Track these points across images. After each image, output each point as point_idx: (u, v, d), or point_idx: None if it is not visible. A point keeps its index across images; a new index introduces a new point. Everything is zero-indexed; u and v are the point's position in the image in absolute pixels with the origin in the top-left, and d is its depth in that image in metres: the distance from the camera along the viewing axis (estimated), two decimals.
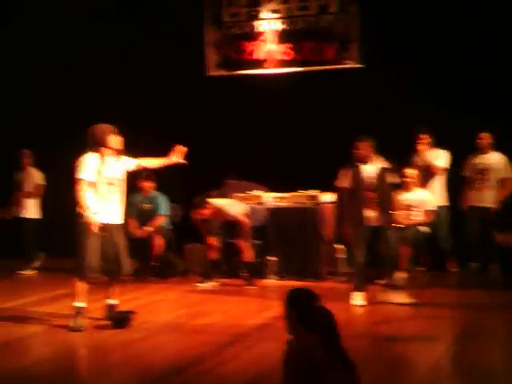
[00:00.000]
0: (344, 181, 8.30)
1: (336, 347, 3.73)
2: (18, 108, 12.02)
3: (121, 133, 7.36)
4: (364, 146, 8.22)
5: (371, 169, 8.23)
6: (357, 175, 8.22)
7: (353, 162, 8.27)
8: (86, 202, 7.14)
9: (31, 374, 5.90)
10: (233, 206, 9.80)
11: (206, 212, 9.64)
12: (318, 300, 3.84)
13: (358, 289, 8.19)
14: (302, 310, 3.78)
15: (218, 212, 9.67)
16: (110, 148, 7.28)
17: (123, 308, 7.70)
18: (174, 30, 11.16)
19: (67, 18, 11.68)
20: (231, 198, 10.15)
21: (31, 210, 11.09)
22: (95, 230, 7.12)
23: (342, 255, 9.69)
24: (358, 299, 8.15)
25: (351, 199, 8.25)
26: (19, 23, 12.12)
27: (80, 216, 7.19)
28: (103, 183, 7.26)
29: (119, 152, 7.36)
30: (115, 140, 7.30)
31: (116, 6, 11.57)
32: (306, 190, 10.07)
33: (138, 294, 9.13)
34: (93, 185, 7.22)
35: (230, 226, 9.71)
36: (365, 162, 8.22)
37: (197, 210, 9.71)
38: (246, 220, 9.64)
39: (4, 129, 12.02)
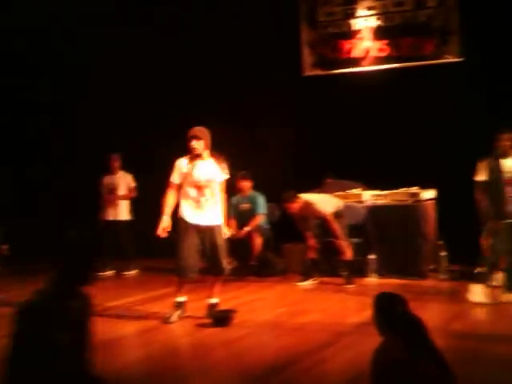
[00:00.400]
0: (481, 174, 8.10)
1: (427, 349, 3.77)
2: (107, 112, 12.27)
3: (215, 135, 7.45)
4: (507, 138, 7.99)
5: (510, 162, 8.01)
6: (496, 168, 8.00)
7: (492, 154, 8.04)
8: (168, 205, 7.34)
9: (134, 371, 6.05)
10: (323, 202, 9.71)
11: (295, 206, 9.60)
12: (404, 304, 3.93)
13: (483, 281, 7.97)
14: (386, 314, 3.91)
15: (307, 207, 9.61)
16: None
17: (224, 307, 7.79)
18: (270, 30, 11.20)
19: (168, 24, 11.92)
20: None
21: (124, 212, 11.33)
22: (187, 232, 7.25)
23: (443, 252, 9.50)
24: (479, 296, 7.94)
25: (488, 193, 8.03)
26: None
27: (178, 218, 7.33)
28: (192, 186, 7.37)
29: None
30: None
31: (213, 7, 11.69)
32: (407, 187, 9.93)
33: (238, 292, 9.20)
34: (182, 187, 7.36)
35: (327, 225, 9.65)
36: (506, 154, 7.99)
37: (286, 204, 9.69)
38: (331, 217, 9.52)
39: (91, 133, 12.32)
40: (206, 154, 7.46)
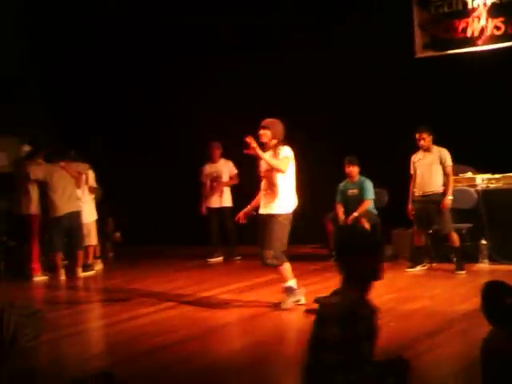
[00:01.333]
0: None
1: None
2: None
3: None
4: None
5: None
6: None
7: None
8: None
9: (244, 356, 6.09)
10: None
11: None
12: None
13: None
14: (493, 305, 3.85)
15: None
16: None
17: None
18: (382, 12, 11.04)
19: None
20: None
21: (228, 198, 11.43)
22: None
23: None
24: None
25: None
26: None
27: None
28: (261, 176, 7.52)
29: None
30: None
31: None
32: None
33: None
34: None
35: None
36: None
37: None
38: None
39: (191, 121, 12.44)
40: (273, 143, 7.51)
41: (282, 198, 7.48)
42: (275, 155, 7.47)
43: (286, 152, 7.50)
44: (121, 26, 13.02)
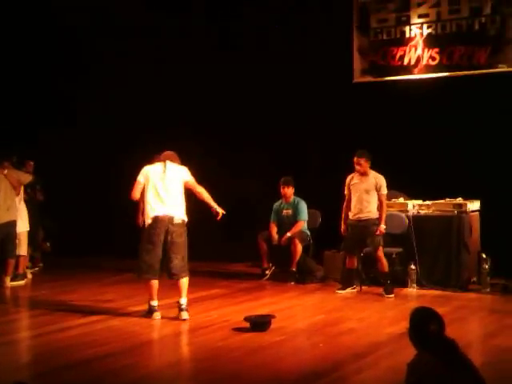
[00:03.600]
0: None
1: (461, 366, 3.82)
2: None
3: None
4: None
5: None
6: None
7: None
8: None
9: (169, 373, 6.07)
10: None
11: None
12: (439, 323, 3.96)
13: None
14: (418, 332, 3.98)
15: None
16: None
17: (263, 312, 7.80)
18: (322, 37, 11.20)
19: None
20: None
21: None
22: None
23: (486, 265, 9.36)
24: None
25: None
26: None
27: None
28: None
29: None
30: None
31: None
32: (450, 197, 9.83)
33: (276, 298, 9.20)
34: None
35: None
36: None
37: None
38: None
39: None
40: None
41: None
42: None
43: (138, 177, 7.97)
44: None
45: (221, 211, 8.04)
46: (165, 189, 7.83)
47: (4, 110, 13.14)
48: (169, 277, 7.91)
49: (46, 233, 11.95)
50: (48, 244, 12.32)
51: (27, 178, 10.65)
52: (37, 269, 11.67)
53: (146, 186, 7.84)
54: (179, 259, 7.84)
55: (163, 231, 7.76)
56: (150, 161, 8.31)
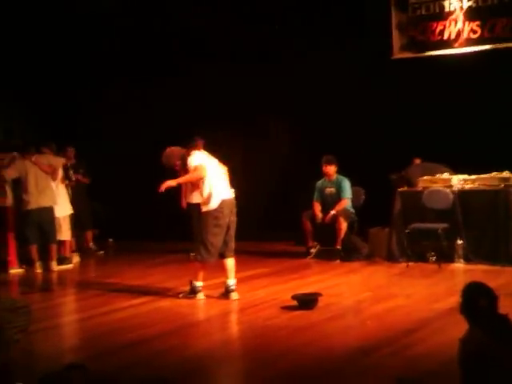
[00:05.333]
0: None
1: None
2: None
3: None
4: None
5: None
6: None
7: None
8: None
9: (219, 352, 6.11)
10: None
11: None
12: (491, 298, 3.91)
13: None
14: (469, 307, 3.94)
15: None
16: None
17: (309, 290, 7.80)
18: (361, 14, 11.08)
19: None
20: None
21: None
22: None
23: None
24: None
25: None
26: None
27: None
28: None
29: None
30: None
31: None
32: (496, 171, 9.70)
33: (322, 276, 9.19)
34: None
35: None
36: None
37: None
38: None
39: None
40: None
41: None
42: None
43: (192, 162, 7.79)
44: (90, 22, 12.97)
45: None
46: (218, 173, 7.89)
47: (49, 96, 13.24)
48: (223, 256, 7.90)
49: (94, 217, 12.06)
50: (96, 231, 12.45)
51: (59, 161, 10.76)
52: (102, 252, 11.85)
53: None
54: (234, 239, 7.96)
55: (229, 213, 7.80)
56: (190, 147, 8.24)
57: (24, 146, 10.68)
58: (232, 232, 7.89)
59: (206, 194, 7.77)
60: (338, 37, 11.32)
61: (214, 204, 7.73)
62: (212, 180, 7.77)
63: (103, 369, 5.27)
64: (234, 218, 7.89)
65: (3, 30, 12.73)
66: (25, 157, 10.35)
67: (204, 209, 7.78)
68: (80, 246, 11.60)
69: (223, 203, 7.75)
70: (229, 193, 7.88)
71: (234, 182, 8.16)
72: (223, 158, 8.16)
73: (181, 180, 8.04)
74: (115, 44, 13.03)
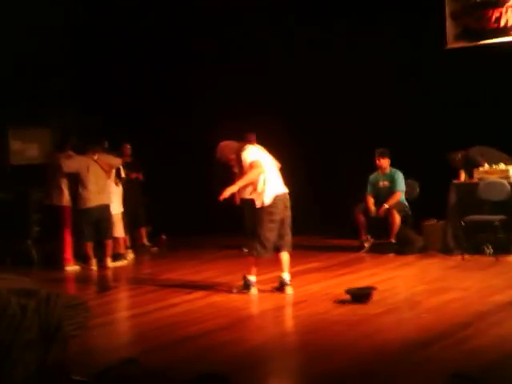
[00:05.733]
0: None
1: None
2: None
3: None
4: None
5: None
6: None
7: None
8: None
9: (274, 346, 6.13)
10: None
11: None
12: None
13: None
14: None
15: None
16: None
17: (363, 284, 7.75)
18: (414, 3, 10.94)
19: None
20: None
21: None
22: None
23: None
24: None
25: None
26: None
27: None
28: None
29: None
30: None
31: None
32: None
33: (377, 270, 9.12)
34: None
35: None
36: None
37: None
38: None
39: None
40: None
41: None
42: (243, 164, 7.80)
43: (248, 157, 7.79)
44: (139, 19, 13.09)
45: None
46: (272, 168, 7.90)
47: (99, 95, 13.41)
48: (279, 250, 7.91)
49: (147, 213, 12.16)
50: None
51: (117, 161, 10.90)
52: (156, 248, 11.97)
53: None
54: (291, 233, 7.96)
55: (283, 208, 7.80)
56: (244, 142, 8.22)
57: (83, 144, 10.81)
58: (287, 227, 7.89)
59: (260, 189, 7.76)
60: (389, 26, 11.18)
61: (268, 199, 7.72)
62: (266, 175, 7.76)
63: (158, 363, 5.30)
64: (288, 213, 7.88)
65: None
66: (85, 154, 10.50)
67: (258, 204, 7.77)
68: (134, 243, 11.71)
69: (277, 198, 7.74)
70: (282, 187, 7.88)
71: (287, 176, 8.15)
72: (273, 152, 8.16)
73: (241, 183, 7.87)
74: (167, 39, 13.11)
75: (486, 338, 5.76)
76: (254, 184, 7.80)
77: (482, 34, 11.01)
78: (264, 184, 7.74)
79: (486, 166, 9.93)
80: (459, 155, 10.15)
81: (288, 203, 7.88)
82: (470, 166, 10.06)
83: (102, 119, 12.85)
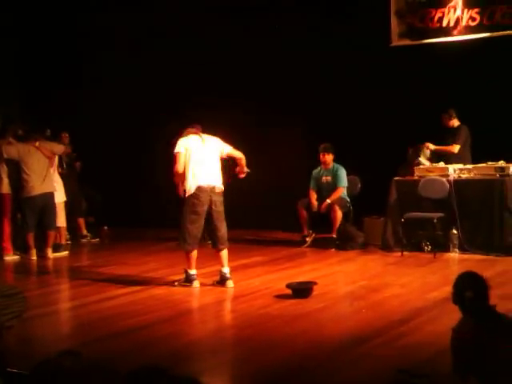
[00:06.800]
0: None
1: (506, 334, 3.83)
2: None
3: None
4: None
5: None
6: None
7: None
8: None
9: (215, 340, 6.15)
10: None
11: None
12: (475, 289, 3.96)
13: None
14: (455, 296, 4.03)
15: None
16: None
17: (304, 279, 7.80)
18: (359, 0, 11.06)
19: None
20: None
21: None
22: None
23: None
24: None
25: None
26: None
27: None
28: None
29: None
30: None
31: None
32: (491, 161, 9.68)
33: (318, 265, 9.19)
34: None
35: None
36: None
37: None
38: None
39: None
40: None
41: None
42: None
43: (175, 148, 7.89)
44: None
45: (246, 170, 8.03)
46: (205, 159, 7.85)
47: (38, 84, 13.22)
48: (215, 246, 7.95)
49: (88, 204, 12.05)
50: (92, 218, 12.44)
51: (60, 148, 10.79)
52: (97, 239, 11.87)
53: (186, 157, 7.83)
54: (225, 228, 7.91)
55: (207, 201, 7.77)
56: (181, 133, 8.21)
57: (26, 131, 10.65)
58: (217, 222, 7.86)
59: (185, 179, 7.81)
60: (335, 24, 11.25)
61: (190, 190, 7.75)
62: (190, 166, 7.77)
63: (97, 356, 5.25)
64: (217, 208, 7.84)
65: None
66: (26, 141, 10.33)
67: (186, 194, 7.81)
68: (74, 234, 11.60)
69: (200, 189, 7.74)
70: (209, 180, 7.82)
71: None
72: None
73: (175, 175, 7.99)
74: (96, 17, 12.94)
75: (422, 333, 5.86)
76: (183, 175, 7.81)
77: (425, 33, 11.17)
78: (188, 174, 7.77)
79: (426, 163, 10.13)
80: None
81: (215, 197, 7.83)
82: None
83: (44, 107, 12.69)
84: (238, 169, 8.06)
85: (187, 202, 7.80)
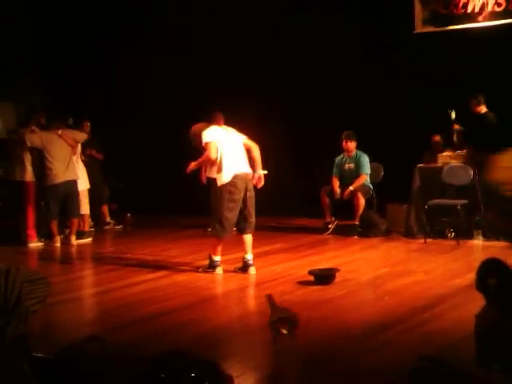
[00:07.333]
0: None
1: None
2: None
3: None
4: None
5: None
6: None
7: None
8: None
9: (238, 326, 6.19)
10: None
11: None
12: (502, 275, 3.90)
13: None
14: (478, 283, 3.96)
15: None
16: None
17: (327, 265, 7.79)
18: None
19: None
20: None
21: None
22: None
23: None
24: None
25: None
26: None
27: None
28: None
29: None
30: None
31: None
32: None
33: (340, 252, 9.19)
34: None
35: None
36: None
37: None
38: None
39: None
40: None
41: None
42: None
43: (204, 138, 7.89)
44: None
45: (262, 174, 8.00)
46: (235, 148, 7.89)
47: (61, 72, 13.27)
48: (243, 231, 7.95)
49: (111, 191, 12.11)
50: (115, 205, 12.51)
51: (83, 136, 10.84)
52: (120, 226, 11.92)
53: (218, 147, 7.84)
54: (254, 215, 7.94)
55: (243, 188, 7.79)
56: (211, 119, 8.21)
57: (48, 120, 10.73)
58: (250, 208, 7.89)
59: (219, 168, 7.81)
60: (360, 11, 11.18)
61: (226, 178, 7.74)
62: (224, 155, 7.77)
63: (121, 342, 5.30)
64: (250, 194, 7.88)
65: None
66: (49, 130, 10.41)
67: (218, 183, 7.79)
68: (97, 221, 11.67)
69: (237, 177, 7.75)
70: (244, 168, 7.87)
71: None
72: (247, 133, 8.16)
73: (200, 161, 8.05)
74: (125, 16, 12.95)
75: (445, 320, 5.84)
76: (215, 164, 7.81)
77: (450, 20, 11.06)
78: (223, 163, 7.77)
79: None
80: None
81: (250, 184, 7.87)
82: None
83: (66, 96, 12.74)
84: (254, 181, 7.99)
85: (224, 190, 7.76)
